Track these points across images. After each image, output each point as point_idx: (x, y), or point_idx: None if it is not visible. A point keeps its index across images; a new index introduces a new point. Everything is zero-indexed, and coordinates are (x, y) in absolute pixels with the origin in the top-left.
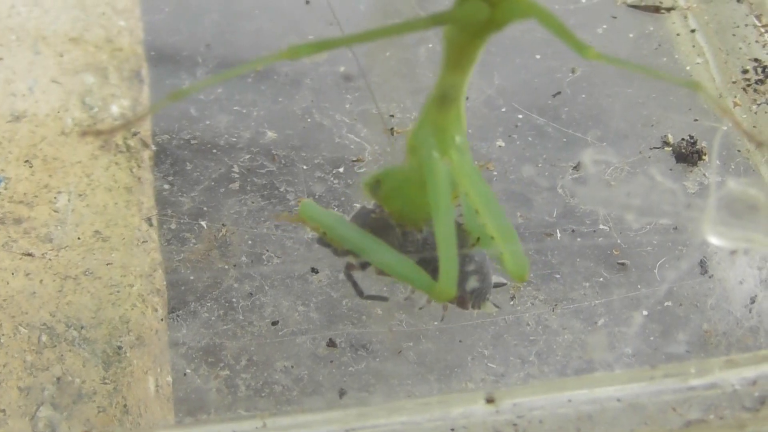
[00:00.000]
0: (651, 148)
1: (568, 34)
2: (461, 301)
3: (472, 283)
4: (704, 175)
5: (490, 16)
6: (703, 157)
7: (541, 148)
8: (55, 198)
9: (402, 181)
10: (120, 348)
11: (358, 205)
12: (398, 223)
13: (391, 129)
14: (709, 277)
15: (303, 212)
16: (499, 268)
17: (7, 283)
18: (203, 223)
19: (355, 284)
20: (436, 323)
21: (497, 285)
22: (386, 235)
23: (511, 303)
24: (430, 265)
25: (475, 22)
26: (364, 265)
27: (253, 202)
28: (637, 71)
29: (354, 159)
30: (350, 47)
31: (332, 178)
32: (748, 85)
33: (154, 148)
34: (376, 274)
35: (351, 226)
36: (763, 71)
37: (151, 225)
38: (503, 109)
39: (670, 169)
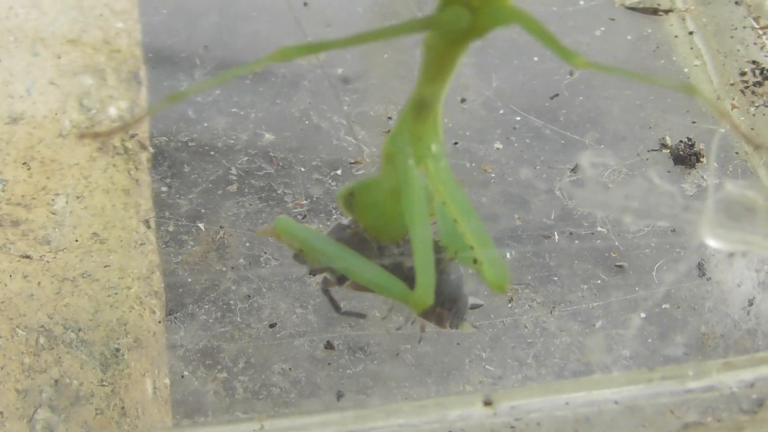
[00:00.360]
0: (649, 150)
1: (555, 41)
2: (439, 320)
3: (450, 301)
4: (702, 177)
5: (471, 22)
6: (701, 159)
7: (539, 150)
8: (52, 200)
9: (376, 193)
10: (118, 350)
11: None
12: (374, 238)
13: (388, 131)
14: (707, 280)
15: (278, 227)
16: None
17: (5, 285)
18: (201, 226)
19: (332, 299)
20: (432, 325)
21: (474, 306)
22: (362, 250)
23: (509, 305)
24: (407, 277)
25: (457, 28)
26: (340, 281)
27: (250, 205)
28: (628, 77)
29: (352, 161)
30: (342, 49)
31: (330, 181)
32: (746, 87)
33: (151, 150)
34: (352, 290)
35: (326, 240)
36: (761, 73)
37: (148, 227)
38: (501, 111)
39: (668, 171)
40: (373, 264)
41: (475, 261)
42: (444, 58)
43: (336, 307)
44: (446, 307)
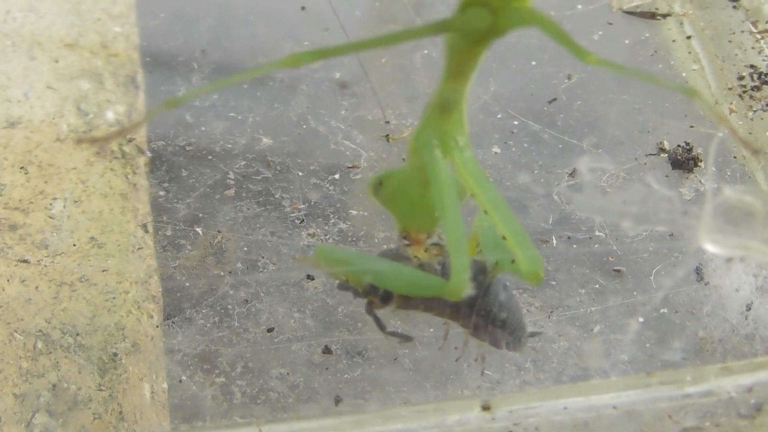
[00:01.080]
0: (647, 155)
1: (570, 40)
2: (494, 340)
3: (501, 320)
4: (700, 181)
5: (491, 23)
6: (699, 163)
7: (537, 154)
8: (50, 204)
9: (404, 183)
10: (115, 355)
11: (353, 212)
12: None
13: (387, 135)
14: (705, 284)
15: (319, 256)
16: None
17: (3, 290)
18: (199, 230)
19: (377, 320)
20: (431, 330)
21: (533, 334)
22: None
23: None
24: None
25: (477, 29)
26: (384, 300)
27: (248, 209)
28: (636, 77)
29: (349, 165)
30: (350, 55)
31: (328, 185)
32: (744, 92)
33: (149, 154)
34: (397, 310)
35: (364, 255)
36: (759, 78)
37: (146, 231)
38: (499, 116)
39: (666, 176)
40: (411, 268)
41: (512, 262)
42: (466, 58)
43: (382, 327)
44: (497, 325)
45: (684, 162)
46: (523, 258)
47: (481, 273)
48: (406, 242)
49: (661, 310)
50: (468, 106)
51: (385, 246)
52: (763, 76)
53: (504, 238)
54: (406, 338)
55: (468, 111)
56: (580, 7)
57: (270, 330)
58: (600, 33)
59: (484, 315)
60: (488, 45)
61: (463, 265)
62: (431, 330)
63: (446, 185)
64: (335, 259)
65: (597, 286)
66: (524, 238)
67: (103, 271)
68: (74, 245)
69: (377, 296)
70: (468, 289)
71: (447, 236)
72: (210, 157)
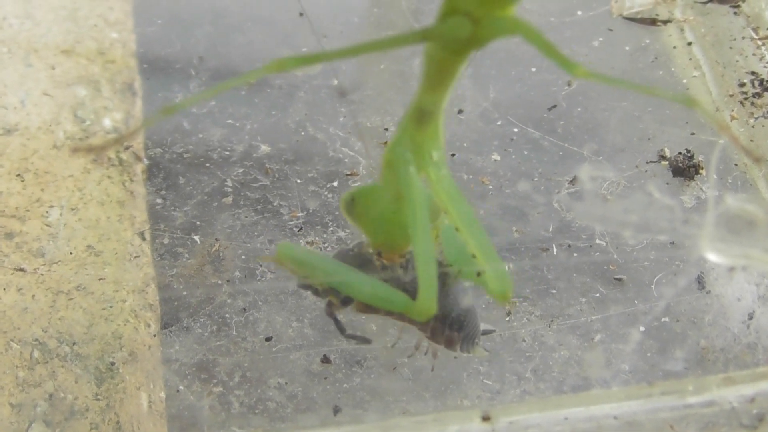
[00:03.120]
0: (647, 162)
1: (556, 51)
2: (449, 343)
3: (459, 323)
4: (701, 189)
5: (473, 33)
6: (700, 171)
7: (537, 162)
8: (47, 212)
9: (376, 199)
10: (113, 364)
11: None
12: (377, 255)
13: (385, 142)
14: (707, 293)
15: (281, 254)
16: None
17: None
18: (196, 238)
19: (337, 322)
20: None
21: (486, 332)
22: (366, 270)
23: (507, 319)
24: (410, 292)
25: (457, 39)
26: (345, 302)
27: (246, 217)
28: (629, 88)
29: (348, 173)
30: (337, 61)
31: (326, 192)
32: (745, 99)
33: (146, 161)
34: (357, 312)
35: (328, 260)
36: (761, 84)
37: (143, 239)
38: (498, 123)
39: (667, 184)
40: (375, 279)
41: (478, 274)
42: (445, 68)
43: (341, 329)
44: (455, 329)
45: (685, 169)
46: (493, 277)
47: (441, 278)
48: (378, 259)
49: (663, 319)
50: (467, 113)
51: (345, 245)
52: (764, 83)
53: (474, 256)
54: (364, 340)
55: (467, 118)
56: (580, 13)
57: (268, 339)
58: (600, 39)
59: (443, 320)
60: (468, 56)
61: (432, 286)
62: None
63: (418, 202)
64: (297, 259)
65: (598, 294)
66: (494, 256)
67: (100, 279)
68: (71, 253)
69: (337, 298)
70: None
71: (416, 256)
72: (207, 165)
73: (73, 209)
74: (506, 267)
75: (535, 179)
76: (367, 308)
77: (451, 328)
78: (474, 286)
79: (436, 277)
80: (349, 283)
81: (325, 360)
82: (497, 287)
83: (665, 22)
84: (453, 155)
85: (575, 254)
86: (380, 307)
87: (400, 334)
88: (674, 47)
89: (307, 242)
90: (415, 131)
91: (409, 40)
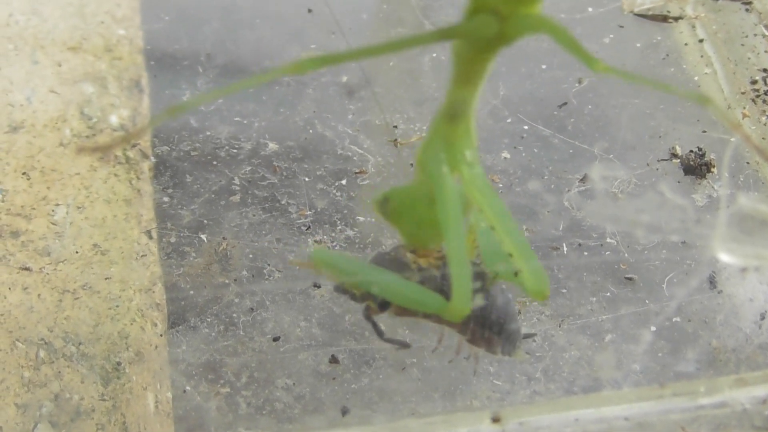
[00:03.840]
0: (659, 160)
1: (579, 47)
2: (489, 345)
3: (498, 325)
4: (713, 188)
5: (499, 30)
6: (712, 169)
7: (547, 159)
8: (53, 210)
9: (410, 199)
10: (119, 364)
11: (361, 218)
12: (413, 256)
13: (395, 140)
14: (719, 293)
15: (316, 259)
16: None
17: (5, 298)
18: (203, 237)
19: (375, 325)
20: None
21: (527, 336)
22: (402, 273)
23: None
24: (447, 294)
25: (484, 36)
26: (382, 307)
27: (254, 215)
28: (647, 85)
29: (357, 171)
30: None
31: (335, 191)
32: (757, 96)
33: (153, 159)
34: (395, 316)
35: (363, 264)
36: None
37: (150, 238)
38: (509, 120)
39: (678, 182)
40: (410, 282)
41: (515, 274)
42: (473, 65)
43: (380, 333)
44: (494, 331)
45: (696, 168)
46: (529, 275)
47: (479, 280)
48: (414, 261)
49: (674, 320)
50: (477, 111)
51: (381, 248)
52: None
53: (510, 255)
54: (404, 345)
55: (477, 116)
56: (590, 9)
57: (276, 339)
58: (611, 36)
59: (482, 322)
60: (496, 52)
61: (466, 287)
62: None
63: (452, 203)
64: (332, 265)
65: (608, 294)
66: (530, 254)
67: (106, 278)
68: (77, 252)
69: (375, 302)
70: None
71: (450, 257)
72: (215, 163)
73: (79, 207)
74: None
75: (546, 177)
76: (405, 311)
77: (491, 330)
78: (511, 286)
79: (470, 277)
80: (385, 286)
81: (334, 360)
82: (534, 285)
83: (676, 18)
84: None
85: (586, 253)
86: (415, 308)
87: (441, 338)
88: (685, 44)
89: (316, 241)
90: (447, 130)
91: (435, 38)
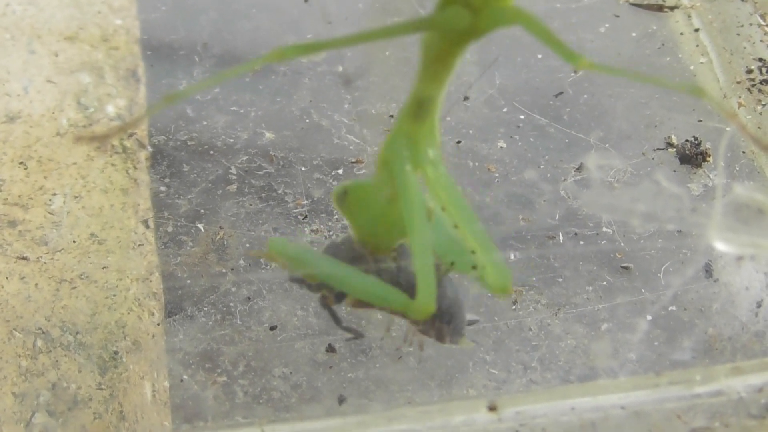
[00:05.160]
0: (654, 150)
1: (558, 42)
2: (439, 334)
3: (449, 315)
4: (709, 177)
5: (472, 23)
6: (708, 158)
7: (543, 149)
8: (50, 200)
9: (368, 195)
10: (116, 353)
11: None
12: (369, 251)
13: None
14: (714, 282)
15: (272, 249)
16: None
17: (2, 287)
18: (200, 226)
19: (332, 313)
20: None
21: (471, 322)
22: (358, 265)
23: (513, 308)
24: (405, 288)
25: (456, 28)
26: (339, 297)
27: (250, 205)
28: (633, 79)
29: (353, 160)
30: (342, 48)
31: (331, 180)
32: (753, 86)
33: (150, 149)
34: (350, 308)
35: (322, 257)
36: None
37: (147, 227)
38: (505, 110)
39: (674, 171)
40: (371, 277)
41: (474, 267)
42: (443, 59)
43: (336, 320)
44: (445, 321)
45: (692, 157)
46: (492, 272)
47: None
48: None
49: (670, 308)
50: (473, 100)
51: (332, 239)
52: None
53: (473, 252)
54: (358, 334)
55: (473, 105)
56: None
57: (273, 328)
58: (606, 26)
59: (438, 316)
60: (466, 46)
61: (431, 285)
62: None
63: (415, 201)
64: (288, 254)
65: (604, 283)
66: (494, 252)
67: (103, 267)
68: (74, 242)
69: (331, 293)
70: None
71: (414, 255)
72: (212, 152)
73: (76, 197)
74: (504, 260)
75: (542, 167)
76: (361, 304)
77: (441, 320)
78: (463, 276)
79: (435, 276)
80: (343, 280)
81: (330, 349)
82: (497, 281)
83: (672, 8)
84: (459, 142)
85: (582, 242)
86: (377, 305)
87: (388, 329)
88: (681, 33)
89: (312, 230)
90: (412, 127)
91: (408, 29)
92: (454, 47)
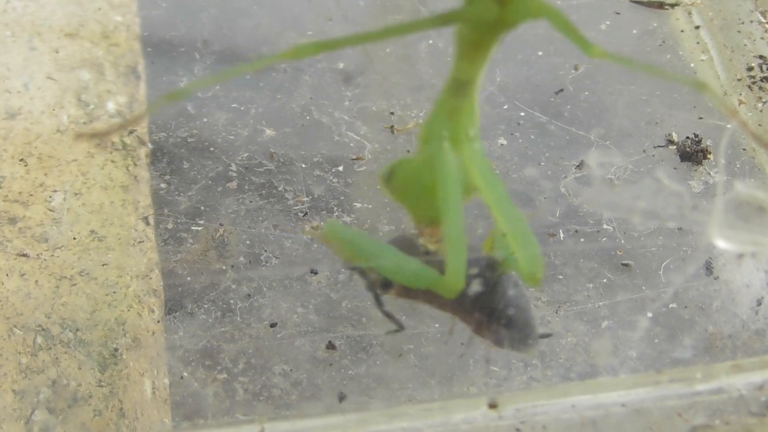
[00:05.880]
0: (655, 147)
1: (576, 33)
2: (497, 339)
3: (507, 317)
4: (709, 174)
5: (499, 15)
6: (708, 155)
7: (544, 146)
8: (50, 197)
9: (415, 173)
10: (116, 350)
11: (357, 204)
12: (420, 234)
13: (391, 126)
14: (715, 279)
15: (329, 232)
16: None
17: (2, 284)
18: (200, 223)
19: (377, 297)
20: (437, 325)
21: (544, 336)
22: (411, 254)
23: None
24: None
25: (484, 21)
26: (385, 285)
27: (251, 202)
28: (644, 71)
29: (354, 157)
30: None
31: (331, 177)
32: (754, 83)
33: (150, 146)
34: (397, 297)
35: (372, 240)
36: None
37: (147, 224)
38: (505, 107)
39: (675, 168)
40: (411, 258)
41: (513, 254)
42: (476, 47)
43: (380, 303)
44: (501, 323)
45: (693, 154)
46: (523, 258)
47: (488, 269)
48: (418, 234)
49: (671, 306)
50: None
51: (398, 231)
52: None
53: (505, 235)
54: (399, 325)
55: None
56: None
57: (273, 325)
58: (607, 23)
59: (488, 312)
60: (499, 36)
61: (460, 262)
62: (437, 325)
63: (451, 180)
64: (343, 238)
65: (605, 280)
66: (527, 237)
67: (103, 265)
68: (74, 238)
69: (379, 278)
70: (475, 286)
71: (446, 232)
72: (212, 149)
73: (76, 194)
74: (539, 248)
75: (542, 164)
76: (408, 295)
77: (498, 322)
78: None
79: (465, 253)
80: (386, 262)
81: (331, 346)
82: (527, 268)
83: (673, 5)
84: None
85: (582, 240)
86: (411, 283)
87: (451, 330)
88: (682, 31)
89: (312, 227)
90: (451, 106)
91: (435, 23)
92: (485, 37)
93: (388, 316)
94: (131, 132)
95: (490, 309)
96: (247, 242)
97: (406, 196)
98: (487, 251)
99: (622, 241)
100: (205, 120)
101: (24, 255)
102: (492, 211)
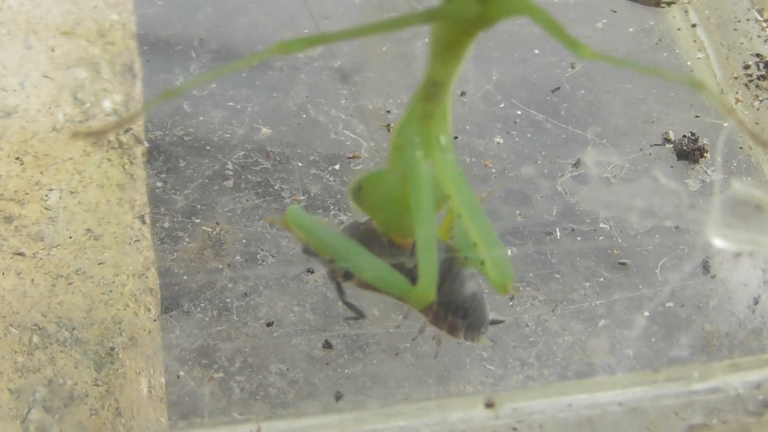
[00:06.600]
0: (652, 145)
1: (563, 32)
2: (452, 329)
3: (463, 309)
4: (706, 172)
5: (480, 13)
6: (705, 154)
7: (540, 144)
8: (46, 195)
9: (384, 185)
10: (112, 349)
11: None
12: (386, 235)
13: (388, 125)
14: (712, 278)
15: (290, 218)
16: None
17: None
18: (197, 222)
19: (338, 286)
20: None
21: (495, 322)
22: (373, 248)
23: (510, 304)
24: (413, 277)
25: (465, 18)
26: (347, 275)
27: (247, 200)
28: (638, 70)
29: (350, 156)
30: (339, 43)
31: (328, 176)
32: (750, 81)
33: (146, 144)
34: (358, 288)
35: (336, 234)
36: (765, 67)
37: (144, 223)
38: (501, 105)
39: (671, 167)
40: (379, 260)
41: (482, 263)
42: (452, 48)
43: (341, 293)
44: (459, 315)
45: (690, 152)
46: (493, 266)
47: (447, 263)
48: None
49: (667, 304)
50: (470, 96)
51: (355, 219)
52: None
53: (475, 244)
54: (359, 313)
55: (470, 101)
56: None
57: (269, 324)
58: (604, 21)
59: (446, 305)
60: (476, 36)
61: (432, 273)
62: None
63: (423, 187)
64: (304, 227)
65: (602, 279)
66: (497, 246)
67: (99, 263)
68: (70, 237)
69: (341, 269)
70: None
71: (418, 242)
72: (208, 148)
73: (72, 192)
74: (508, 256)
75: (539, 162)
76: (368, 285)
77: (454, 314)
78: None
79: (437, 265)
80: (352, 260)
81: (327, 345)
82: (497, 277)
83: (669, 3)
84: (456, 138)
85: (579, 238)
86: (380, 287)
87: (405, 316)
88: (678, 29)
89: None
90: (423, 113)
91: (415, 20)
92: (464, 36)
93: (349, 305)
94: (127, 130)
95: (447, 302)
96: (244, 241)
97: (378, 209)
98: (441, 236)
99: (619, 240)
100: (202, 118)
101: (20, 254)
102: (463, 220)
